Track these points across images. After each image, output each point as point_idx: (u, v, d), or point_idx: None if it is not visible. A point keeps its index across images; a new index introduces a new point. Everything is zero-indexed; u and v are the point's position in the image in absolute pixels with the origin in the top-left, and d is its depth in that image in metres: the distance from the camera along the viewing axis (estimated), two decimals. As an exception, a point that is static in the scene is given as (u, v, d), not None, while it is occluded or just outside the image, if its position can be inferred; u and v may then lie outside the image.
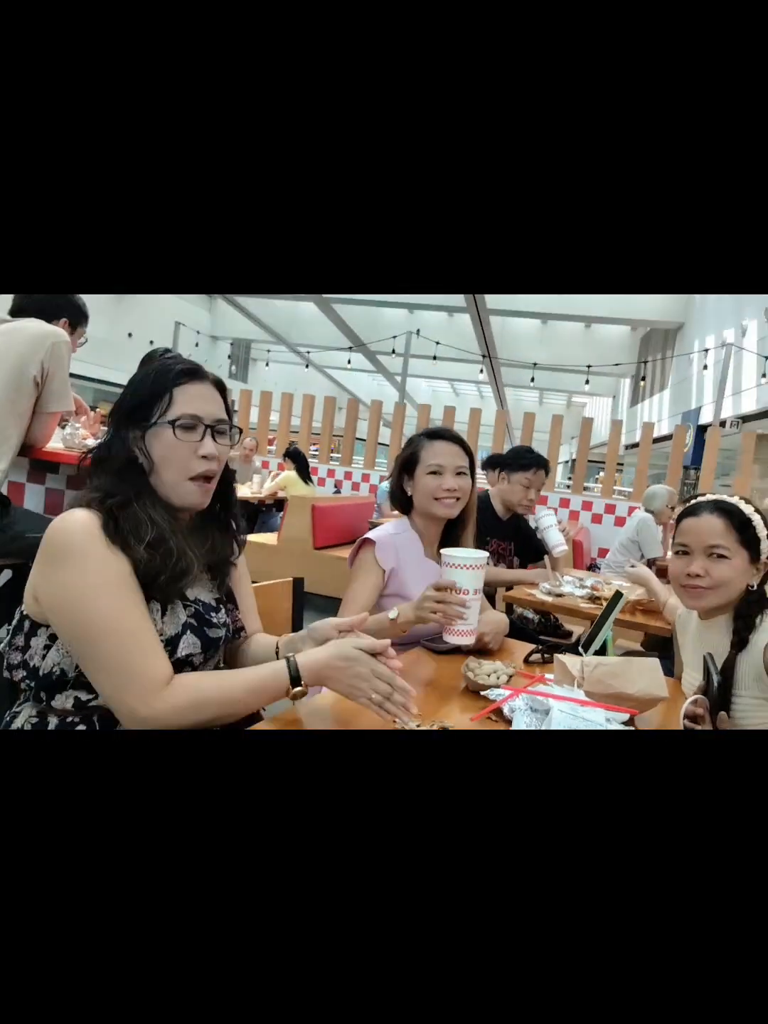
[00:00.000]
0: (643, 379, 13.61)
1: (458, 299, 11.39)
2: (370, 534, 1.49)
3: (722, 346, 9.50)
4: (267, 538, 4.59)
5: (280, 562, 4.35)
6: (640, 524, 3.91)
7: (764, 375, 8.07)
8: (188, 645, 0.92)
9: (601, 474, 7.01)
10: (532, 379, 7.01)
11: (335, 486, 5.97)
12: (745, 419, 10.96)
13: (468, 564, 1.18)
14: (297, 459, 5.13)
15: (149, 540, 0.86)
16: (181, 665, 0.91)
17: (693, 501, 1.25)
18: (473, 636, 1.21)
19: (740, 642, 1.14)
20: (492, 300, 11.17)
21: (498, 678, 1.13)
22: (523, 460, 2.34)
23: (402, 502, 1.56)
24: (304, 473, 5.12)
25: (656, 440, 5.34)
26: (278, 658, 1.01)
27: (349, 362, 9.13)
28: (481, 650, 1.39)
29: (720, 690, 1.17)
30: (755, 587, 1.18)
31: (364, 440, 6.24)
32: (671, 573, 1.25)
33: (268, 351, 13.95)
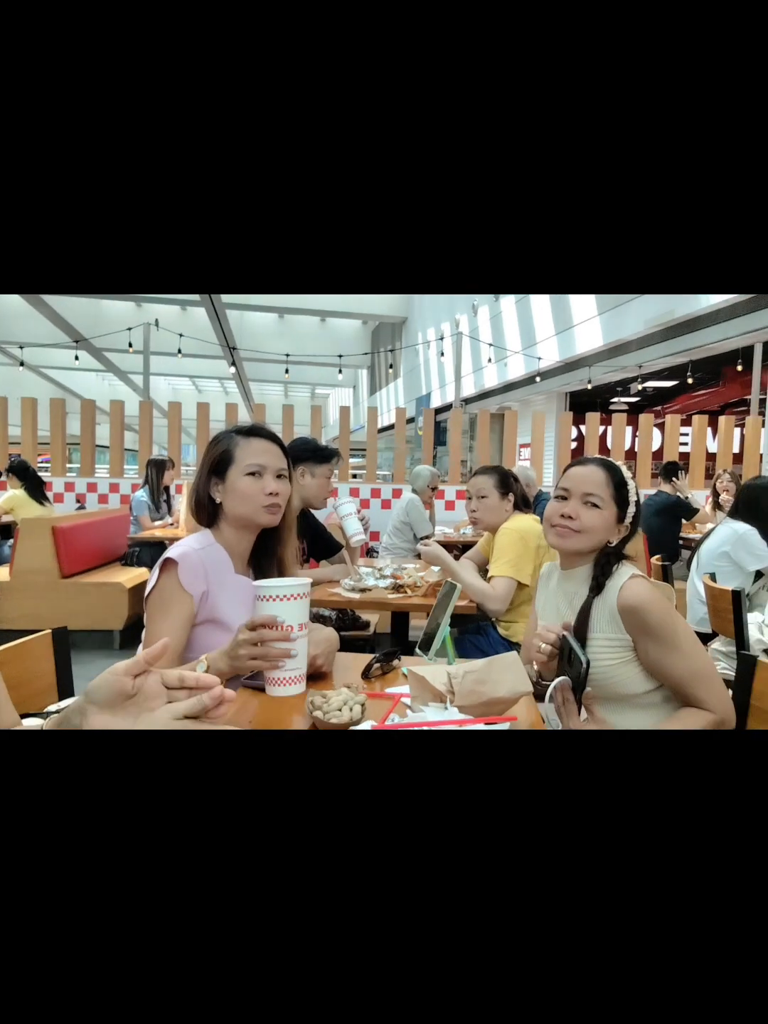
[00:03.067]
0: (390, 367, 14.60)
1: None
2: (170, 552, 1.20)
3: (440, 339, 10.50)
4: (-5, 574, 3.76)
5: (18, 600, 3.60)
6: (409, 505, 4.05)
7: (489, 360, 9.09)
8: None
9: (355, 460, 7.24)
10: (286, 371, 6.87)
11: (77, 501, 5.17)
12: (467, 401, 12.39)
13: (289, 594, 1.00)
14: (25, 475, 4.28)
15: None
16: None
17: (583, 457, 1.34)
18: (303, 681, 1.04)
19: (597, 587, 1.22)
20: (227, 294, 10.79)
21: (352, 712, 0.96)
22: (323, 452, 2.19)
23: (209, 511, 1.29)
24: (36, 491, 4.30)
25: (405, 422, 5.63)
26: None
27: (77, 359, 7.98)
28: (315, 675, 1.21)
29: (575, 632, 1.20)
30: (613, 544, 1.26)
31: (105, 447, 5.51)
32: (546, 514, 1.30)
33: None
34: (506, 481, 2.16)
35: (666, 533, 4.24)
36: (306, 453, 2.17)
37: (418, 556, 3.13)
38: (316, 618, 2.51)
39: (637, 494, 1.28)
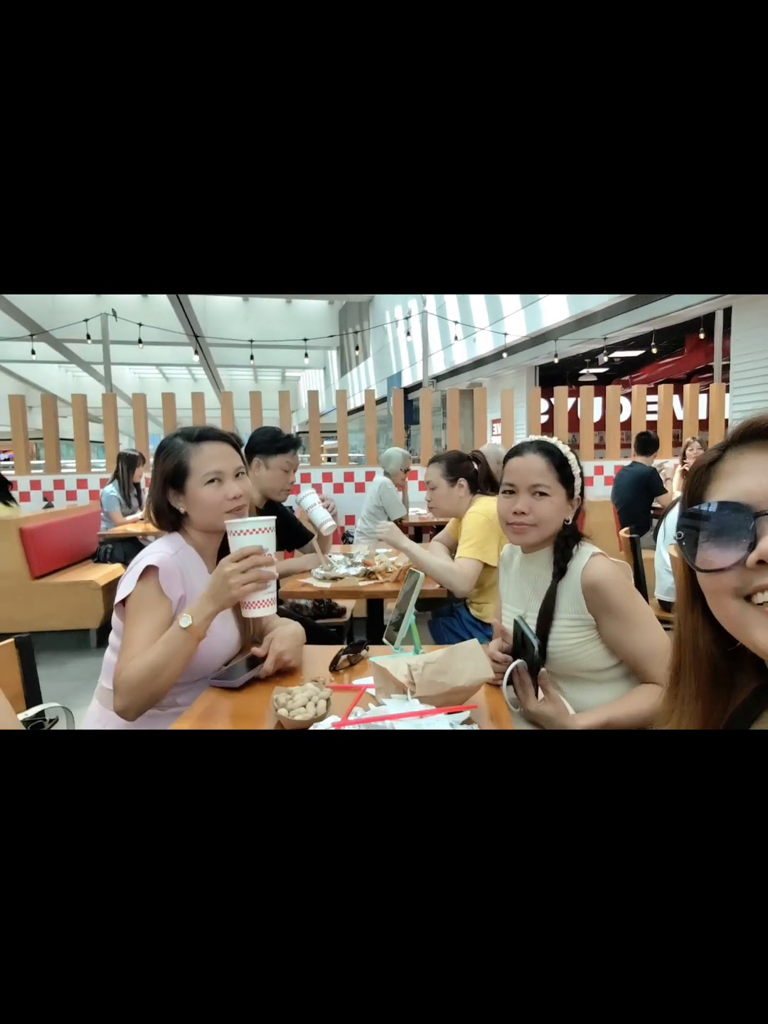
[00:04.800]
0: (357, 349, 14.46)
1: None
2: (148, 559, 1.19)
3: (407, 317, 10.41)
4: (-37, 579, 3.69)
5: (-12, 605, 3.54)
6: (381, 488, 4.04)
7: (456, 338, 9.06)
8: None
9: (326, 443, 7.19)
10: (251, 357, 6.76)
11: (44, 499, 5.07)
12: (437, 379, 12.36)
13: (262, 527, 1.15)
14: (-14, 476, 4.18)
15: None
16: None
17: (519, 444, 1.32)
18: (274, 604, 1.18)
19: (560, 571, 1.23)
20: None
21: (316, 707, 0.97)
22: (279, 442, 2.16)
23: (171, 520, 1.28)
24: (0, 491, 4.21)
25: (374, 404, 5.60)
26: None
27: (33, 352, 7.77)
28: (282, 672, 1.21)
29: (541, 616, 1.22)
30: (570, 521, 1.27)
31: (70, 440, 5.39)
32: (499, 512, 1.31)
33: None
34: (453, 467, 2.17)
35: (639, 503, 4.29)
36: (262, 444, 2.15)
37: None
38: (292, 608, 2.52)
39: (580, 466, 1.29)
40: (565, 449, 1.29)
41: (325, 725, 0.91)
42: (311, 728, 0.93)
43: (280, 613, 1.51)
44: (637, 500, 4.30)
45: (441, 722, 0.84)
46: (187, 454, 1.24)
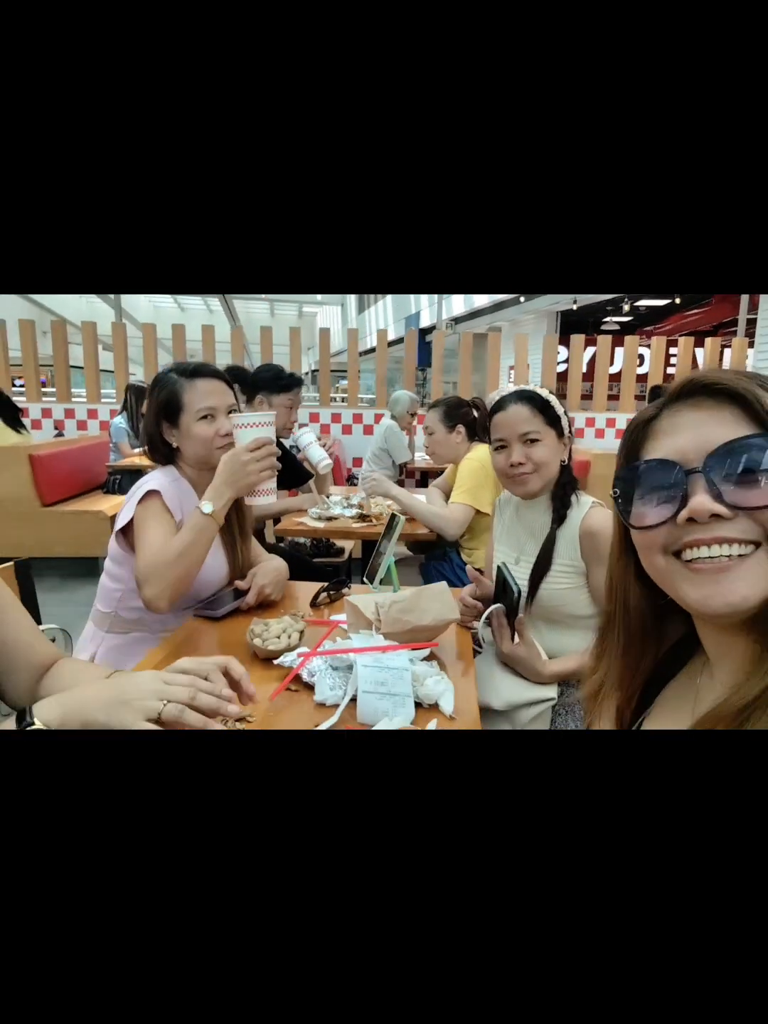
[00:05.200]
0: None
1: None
2: (149, 485, 1.24)
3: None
4: (-26, 503, 3.78)
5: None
6: (387, 432, 4.04)
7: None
8: None
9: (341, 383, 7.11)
10: (263, 290, 6.67)
11: (55, 428, 5.11)
12: (457, 320, 12.08)
13: (265, 421, 1.21)
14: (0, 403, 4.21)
15: None
16: None
17: (499, 398, 1.32)
18: (275, 493, 1.25)
19: (559, 518, 1.27)
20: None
21: (289, 638, 1.02)
22: (283, 380, 2.17)
23: (164, 453, 1.32)
24: (11, 418, 4.24)
25: (390, 344, 5.52)
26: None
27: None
28: (264, 603, 1.27)
29: (538, 561, 1.26)
30: (566, 462, 1.29)
31: (81, 368, 5.38)
32: (497, 468, 1.32)
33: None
34: (452, 413, 2.17)
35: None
36: (266, 381, 2.16)
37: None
38: (291, 546, 2.58)
39: (562, 404, 1.30)
40: (544, 392, 1.30)
41: (293, 656, 0.97)
42: (279, 661, 0.98)
43: (279, 552, 1.56)
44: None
45: (400, 660, 0.89)
46: (181, 389, 1.27)
